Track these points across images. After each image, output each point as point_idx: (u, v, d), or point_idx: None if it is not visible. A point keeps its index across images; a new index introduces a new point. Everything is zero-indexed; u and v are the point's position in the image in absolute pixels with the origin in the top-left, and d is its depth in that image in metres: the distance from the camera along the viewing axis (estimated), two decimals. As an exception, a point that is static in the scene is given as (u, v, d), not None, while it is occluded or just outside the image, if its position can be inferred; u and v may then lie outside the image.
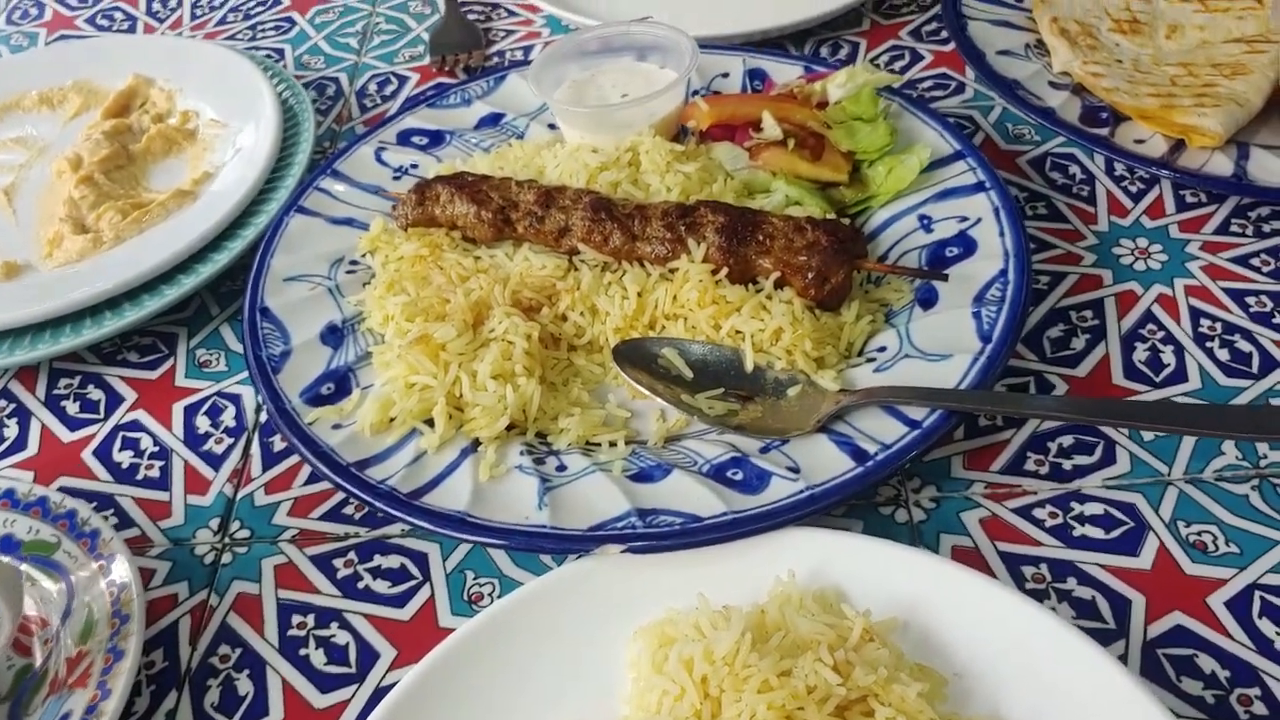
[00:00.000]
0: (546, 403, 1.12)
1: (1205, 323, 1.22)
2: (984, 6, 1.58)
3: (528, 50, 1.74)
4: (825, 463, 1.03)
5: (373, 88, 1.71)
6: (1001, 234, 1.21)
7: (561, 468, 1.07)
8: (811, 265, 1.14)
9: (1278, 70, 1.38)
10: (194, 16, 1.95)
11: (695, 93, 1.48)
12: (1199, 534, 1.03)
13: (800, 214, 1.24)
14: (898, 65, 1.61)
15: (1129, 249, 1.31)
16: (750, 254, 1.17)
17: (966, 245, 1.22)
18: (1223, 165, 1.30)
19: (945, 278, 1.16)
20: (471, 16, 1.81)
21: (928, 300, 1.18)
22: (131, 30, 1.94)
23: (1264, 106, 1.37)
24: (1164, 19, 1.53)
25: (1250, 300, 1.24)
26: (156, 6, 1.99)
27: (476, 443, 1.09)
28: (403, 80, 1.71)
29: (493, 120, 1.48)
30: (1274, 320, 1.21)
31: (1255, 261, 1.28)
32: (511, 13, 1.83)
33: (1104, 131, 1.35)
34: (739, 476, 1.03)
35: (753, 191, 1.32)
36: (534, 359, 1.13)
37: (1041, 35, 1.51)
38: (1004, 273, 1.17)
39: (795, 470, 1.02)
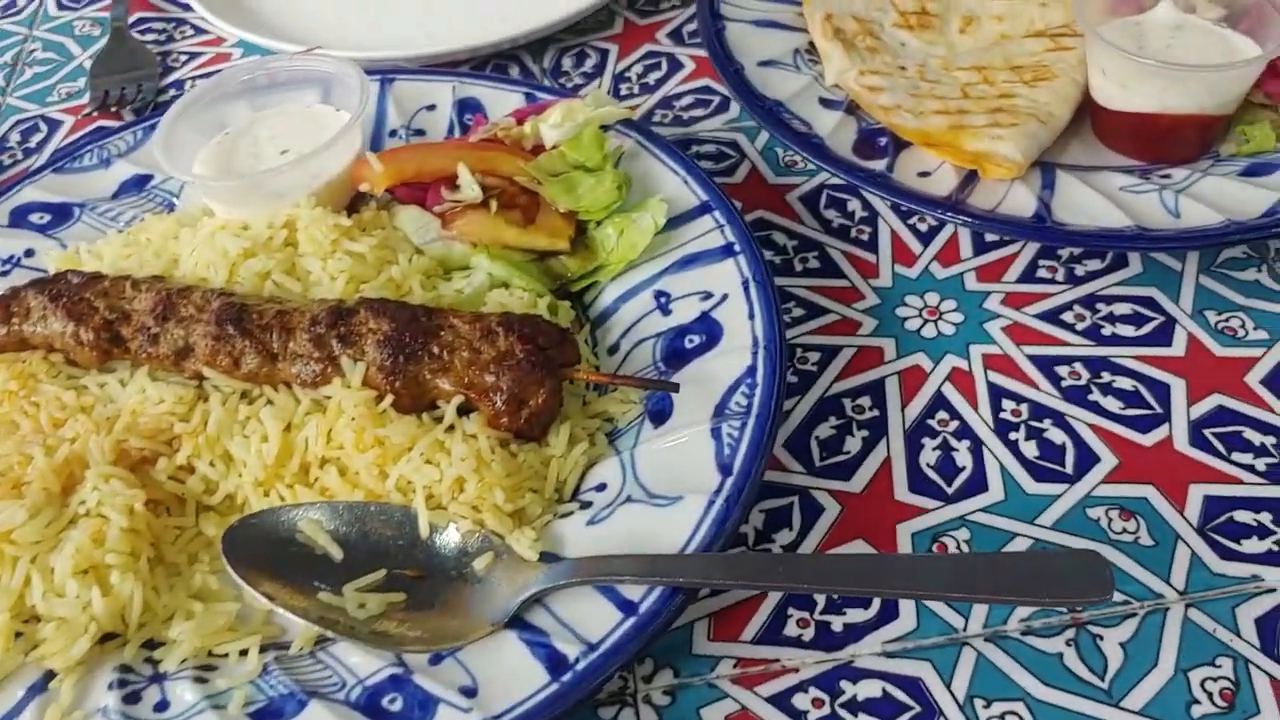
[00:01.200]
0: (156, 599, 0.84)
1: (1008, 405, 0.99)
2: (748, 4, 1.32)
3: (212, 77, 1.42)
4: (512, 677, 0.77)
5: (15, 137, 1.37)
6: (751, 315, 0.96)
7: (161, 706, 0.79)
8: (502, 386, 0.88)
9: (1085, 73, 1.15)
10: None
11: (393, 133, 1.19)
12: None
13: (501, 305, 0.97)
14: (652, 77, 1.35)
15: (916, 309, 1.07)
16: (423, 373, 0.89)
17: (710, 332, 0.97)
18: (1024, 200, 1.07)
19: (676, 388, 0.90)
20: (147, 38, 1.48)
21: (660, 413, 0.92)
22: None
23: (1071, 118, 1.14)
24: (958, 10, 1.29)
25: (1062, 371, 1.01)
26: None
27: (51, 674, 0.81)
28: (54, 126, 1.38)
29: (137, 184, 1.18)
30: (1090, 397, 0.99)
31: (1067, 316, 1.06)
32: (198, 29, 1.51)
33: (882, 164, 1.11)
34: (396, 706, 0.76)
35: (449, 270, 1.04)
36: (139, 538, 0.85)
37: (811, 36, 1.25)
38: (752, 371, 0.92)
39: (471, 692, 0.76)
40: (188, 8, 1.45)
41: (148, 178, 1.18)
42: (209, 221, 1.03)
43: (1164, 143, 1.11)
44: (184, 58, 1.46)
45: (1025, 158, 1.07)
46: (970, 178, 1.09)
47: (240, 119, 1.13)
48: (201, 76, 1.42)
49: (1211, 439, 0.95)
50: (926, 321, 1.06)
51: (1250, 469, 0.93)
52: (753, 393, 0.90)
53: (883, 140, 1.14)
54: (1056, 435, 0.97)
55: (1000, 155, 1.07)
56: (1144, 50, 1.10)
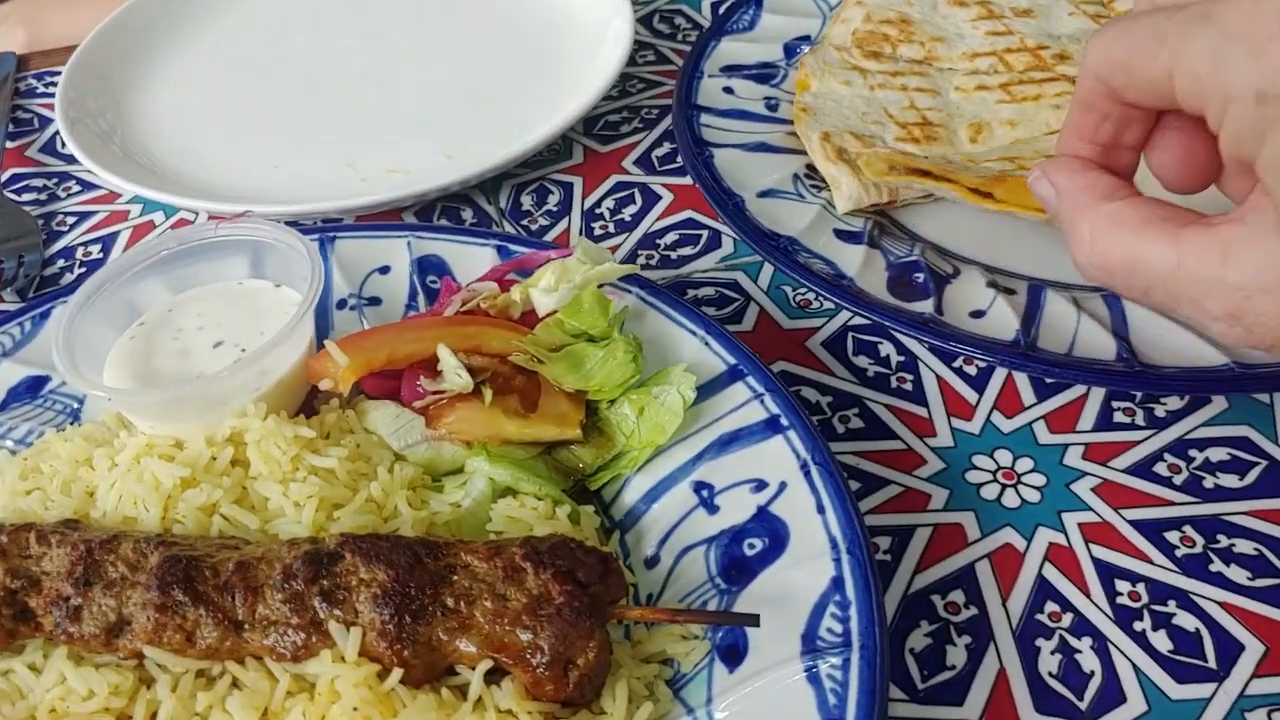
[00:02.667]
0: None
1: (1123, 587, 0.83)
2: (728, 124, 1.17)
3: (109, 244, 1.21)
4: None
5: None
6: (820, 509, 0.79)
7: None
8: (542, 644, 0.68)
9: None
10: None
11: (343, 305, 1.00)
12: None
13: (510, 517, 0.78)
14: (628, 212, 1.18)
15: (989, 472, 0.91)
16: (438, 634, 0.70)
17: (774, 533, 0.79)
18: (1100, 340, 0.92)
19: (756, 621, 0.72)
20: (25, 199, 1.26)
21: (733, 648, 0.74)
22: None
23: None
24: (962, 116, 1.16)
25: (1173, 538, 0.86)
26: None
27: None
28: (-86, 313, 1.15)
29: (31, 389, 0.96)
30: (1211, 568, 0.84)
31: (1160, 468, 0.91)
32: (85, 183, 1.30)
33: (928, 306, 0.95)
34: None
35: (437, 476, 0.85)
36: None
37: (813, 160, 1.11)
38: (839, 584, 0.74)
39: None
40: (72, 159, 1.24)
41: (43, 380, 0.96)
42: (131, 440, 0.82)
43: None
44: (71, 219, 1.24)
45: None
46: (1032, 313, 0.95)
47: (157, 302, 0.93)
48: (94, 241, 1.21)
49: (1367, 607, 0.81)
50: (1005, 487, 0.90)
51: None
52: (846, 614, 0.73)
53: (919, 276, 0.99)
54: (1187, 620, 0.81)
55: None
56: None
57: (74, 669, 0.72)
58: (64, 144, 1.23)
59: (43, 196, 1.27)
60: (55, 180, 1.30)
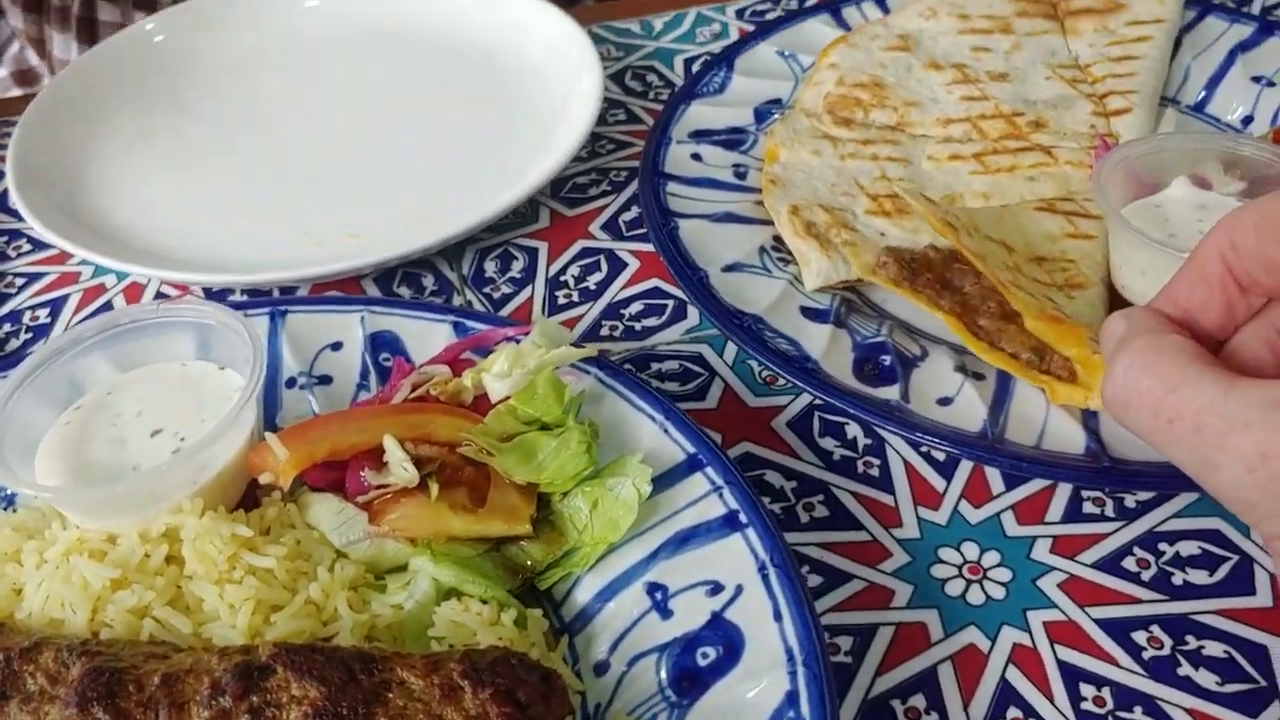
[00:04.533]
0: None
1: (1088, 692, 0.81)
2: (697, 193, 1.14)
3: (59, 307, 1.18)
4: None
5: None
6: (777, 615, 0.76)
7: None
8: (477, 767, 0.65)
9: (1107, 268, 1.00)
10: None
11: (291, 383, 0.97)
12: None
13: (453, 621, 0.76)
14: (593, 280, 1.16)
15: (955, 566, 0.89)
16: (370, 754, 0.67)
17: (728, 641, 0.76)
18: (1069, 432, 0.90)
19: (704, 743, 0.69)
20: (-29, 257, 1.24)
21: (681, 770, 0.71)
22: None
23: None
24: (934, 188, 1.14)
25: (1140, 638, 0.84)
26: None
27: None
28: None
29: (-36, 473, 0.92)
30: (1180, 672, 0.82)
31: (1129, 563, 0.88)
32: (36, 243, 1.27)
33: (894, 392, 0.93)
34: None
35: (380, 574, 0.82)
36: None
37: (781, 234, 1.08)
38: (793, 700, 0.71)
39: None
40: (18, 214, 1.21)
41: (-24, 461, 0.93)
42: (62, 535, 0.79)
43: (1212, 343, 0.96)
44: (21, 280, 1.21)
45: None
46: (999, 402, 0.92)
47: (99, 380, 0.90)
48: (43, 305, 1.18)
49: (1338, 719, 0.78)
50: (970, 583, 0.88)
51: (1391, 755, 0.76)
52: (799, 730, 0.70)
53: (886, 359, 0.97)
54: (1154, 728, 0.79)
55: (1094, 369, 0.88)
56: (1175, 238, 0.95)
57: (-10, 791, 0.68)
58: (16, 201, 1.20)
59: (-13, 255, 1.24)
60: (5, 239, 1.27)
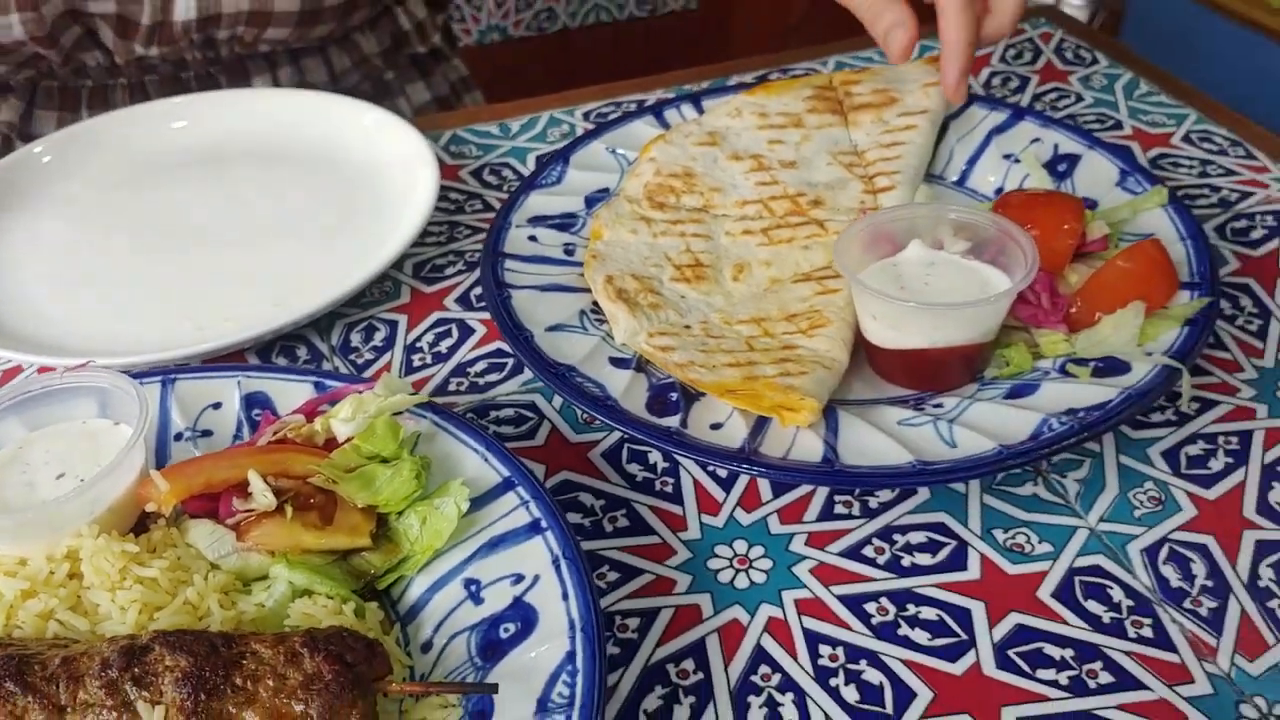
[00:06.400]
0: None
1: (825, 651, 1.01)
2: (530, 269, 1.36)
3: (-20, 386, 1.36)
4: None
5: None
6: (565, 596, 0.96)
7: None
8: (312, 713, 0.84)
9: (854, 314, 1.22)
10: None
11: (179, 436, 1.16)
12: None
13: (305, 614, 0.94)
14: (444, 345, 1.36)
15: (727, 559, 1.09)
16: (227, 708, 0.85)
17: (525, 618, 0.96)
18: (812, 444, 1.11)
19: (494, 690, 0.88)
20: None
21: (481, 714, 0.90)
22: None
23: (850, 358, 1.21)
24: (729, 259, 1.36)
25: (870, 609, 1.04)
26: None
27: None
28: None
29: (-102, 520, 1.10)
30: (899, 632, 1.02)
31: (868, 551, 1.09)
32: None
33: (676, 420, 1.14)
34: None
35: (247, 581, 1.00)
36: None
37: (597, 299, 1.30)
38: (571, 657, 0.91)
39: None
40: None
41: (-91, 512, 1.10)
42: (-17, 560, 0.97)
43: (936, 374, 1.18)
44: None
45: (820, 403, 1.11)
46: (760, 425, 1.13)
47: (11, 438, 1.08)
48: (-32, 385, 1.35)
49: (1016, 659, 0.99)
50: (738, 571, 1.08)
51: (1054, 684, 0.97)
52: (574, 680, 0.89)
53: (674, 395, 1.18)
54: (874, 675, 0.99)
55: (796, 402, 1.10)
56: (905, 290, 1.18)
57: (-79, 759, 0.85)
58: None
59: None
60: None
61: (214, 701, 0.84)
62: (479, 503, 1.05)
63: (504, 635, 0.95)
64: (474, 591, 0.99)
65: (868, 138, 1.53)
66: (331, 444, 1.08)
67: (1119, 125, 1.70)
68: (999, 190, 1.49)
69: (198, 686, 0.84)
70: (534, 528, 1.02)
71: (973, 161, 1.54)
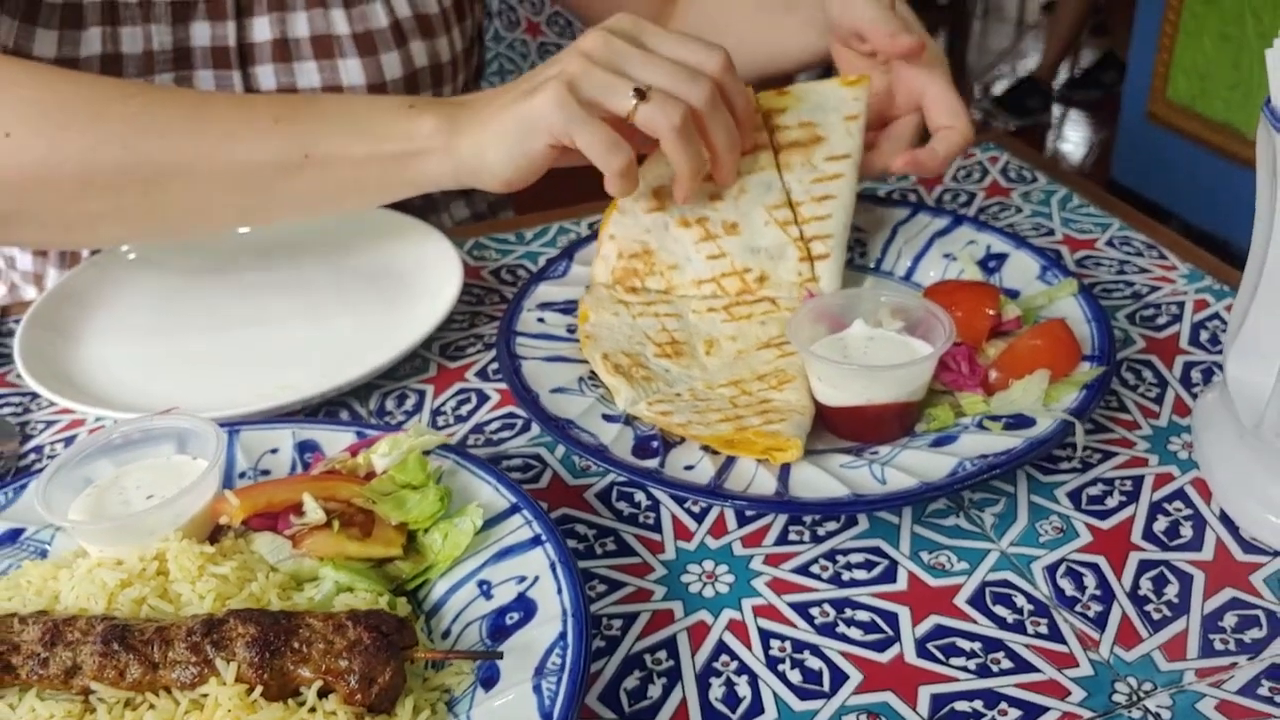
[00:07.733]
0: None
1: (775, 644, 1.22)
2: (538, 344, 1.60)
3: (70, 443, 1.60)
4: None
5: (-118, 509, 1.50)
6: (560, 591, 1.17)
7: None
8: (354, 668, 1.05)
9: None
10: None
11: (242, 475, 1.39)
12: None
13: (347, 605, 1.16)
14: (465, 409, 1.60)
15: (697, 575, 1.30)
16: (287, 665, 1.06)
17: (526, 609, 1.17)
18: (767, 482, 1.34)
19: (500, 656, 1.10)
20: (4, 411, 1.66)
21: (489, 679, 1.11)
22: None
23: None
24: (699, 336, 1.60)
25: (814, 612, 1.25)
26: None
27: None
28: (-80, 495, 1.52)
29: (11, 537, 1.33)
30: (838, 630, 1.23)
31: (815, 569, 1.31)
32: (53, 400, 1.69)
33: (655, 463, 1.37)
34: None
35: (300, 582, 1.22)
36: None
37: (597, 373, 1.53)
38: (563, 635, 1.12)
39: None
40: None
41: (20, 531, 1.33)
42: (85, 561, 1.20)
43: (873, 428, 1.41)
44: (41, 425, 1.63)
45: (802, 442, 1.34)
46: (725, 467, 1.36)
47: (105, 474, 1.32)
48: (59, 441, 1.60)
49: (933, 650, 1.19)
50: (706, 584, 1.29)
51: (964, 669, 1.17)
52: (565, 653, 1.10)
53: (654, 444, 1.41)
54: (815, 663, 1.19)
55: (783, 443, 1.33)
56: (848, 357, 1.42)
57: (40, 702, 1.07)
58: (39, 370, 1.63)
59: (18, 410, 1.67)
60: (29, 397, 1.69)
61: (276, 660, 1.06)
62: (491, 522, 1.27)
63: (509, 622, 1.17)
64: (485, 590, 1.21)
65: (799, 185, 1.66)
66: (371, 475, 1.31)
67: (1052, 232, 1.96)
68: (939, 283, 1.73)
69: (264, 648, 1.06)
70: (535, 541, 1.24)
71: (918, 259, 1.79)
